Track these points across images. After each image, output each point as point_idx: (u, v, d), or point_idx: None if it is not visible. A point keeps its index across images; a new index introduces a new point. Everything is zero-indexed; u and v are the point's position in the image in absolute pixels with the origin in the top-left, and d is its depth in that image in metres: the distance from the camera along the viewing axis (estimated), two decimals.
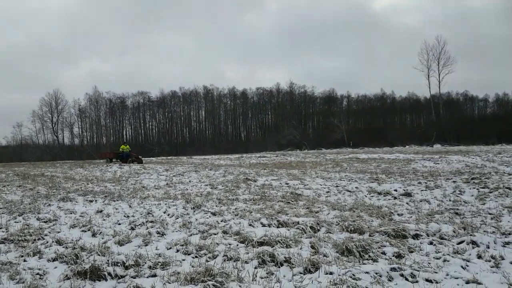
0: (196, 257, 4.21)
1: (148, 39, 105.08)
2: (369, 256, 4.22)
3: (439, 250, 4.51)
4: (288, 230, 5.64)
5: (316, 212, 6.91)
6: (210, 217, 6.17)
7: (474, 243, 4.72)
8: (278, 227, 5.79)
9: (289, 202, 7.71)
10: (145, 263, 3.84)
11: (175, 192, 9.27)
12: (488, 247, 4.63)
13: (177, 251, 4.36)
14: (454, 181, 10.78)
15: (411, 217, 6.59)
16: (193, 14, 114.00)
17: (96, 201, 7.99)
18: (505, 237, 5.05)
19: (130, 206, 7.16)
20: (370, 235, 5.32)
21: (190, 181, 11.83)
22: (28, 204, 7.55)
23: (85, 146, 73.09)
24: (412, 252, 4.43)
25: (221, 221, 5.96)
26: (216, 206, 7.20)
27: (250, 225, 5.83)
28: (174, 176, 13.53)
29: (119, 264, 3.79)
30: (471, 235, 4.96)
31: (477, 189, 9.30)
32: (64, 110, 72.88)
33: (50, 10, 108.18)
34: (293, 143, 62.73)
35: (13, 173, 16.54)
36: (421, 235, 5.12)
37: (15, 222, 6.12)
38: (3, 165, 30.37)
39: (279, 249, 4.46)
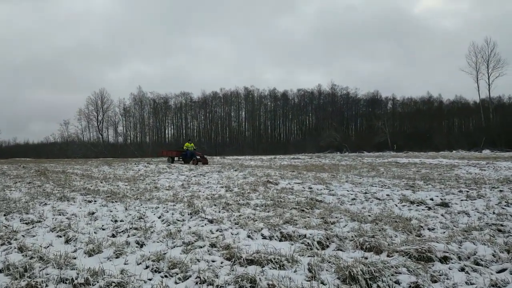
0: (165, 276, 3.54)
1: (187, 42, 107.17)
2: (378, 286, 3.35)
3: (472, 281, 3.56)
4: (292, 244, 4.84)
5: (331, 223, 6.04)
6: (205, 225, 5.49)
7: None
8: (280, 240, 5.01)
9: (303, 210, 6.88)
10: (97, 282, 3.21)
11: (184, 194, 8.70)
12: None
13: (147, 267, 3.71)
14: (500, 190, 9.45)
15: (444, 232, 5.57)
16: (230, 18, 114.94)
17: (95, 201, 7.56)
18: None
19: (126, 209, 6.64)
20: (388, 255, 4.42)
21: (208, 182, 11.25)
22: (24, 203, 7.24)
23: (129, 144, 75.34)
24: (435, 282, 3.51)
25: (217, 230, 5.26)
26: (220, 211, 6.52)
27: (248, 236, 5.09)
28: (194, 176, 13.02)
29: (67, 281, 3.20)
30: None
31: None
32: (109, 109, 75.61)
33: (94, 14, 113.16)
34: (333, 146, 61.22)
35: (35, 170, 16.79)
36: (451, 259, 4.14)
37: None
38: (39, 161, 31.44)
39: (269, 271, 3.69)
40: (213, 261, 3.94)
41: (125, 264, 3.84)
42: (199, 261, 3.90)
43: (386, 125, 64.15)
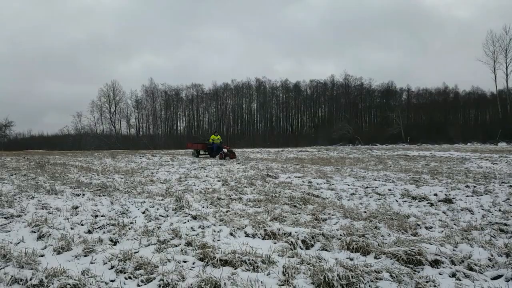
0: (129, 278, 3.32)
1: (197, 34, 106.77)
2: None
3: None
4: (275, 243, 4.59)
5: (322, 220, 5.76)
6: (188, 221, 5.27)
7: None
8: (264, 238, 4.76)
9: (295, 206, 6.60)
10: (52, 283, 3.01)
11: (178, 187, 8.49)
12: None
13: (112, 267, 3.51)
14: (510, 186, 9.00)
15: (442, 232, 5.24)
16: (237, 9, 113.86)
17: (83, 195, 7.40)
18: None
19: (111, 203, 6.46)
20: (375, 257, 4.13)
21: (207, 175, 11.03)
22: (11, 196, 7.12)
23: (141, 136, 75.79)
24: None
25: (199, 227, 5.03)
26: (207, 207, 6.29)
27: (231, 234, 4.85)
28: (195, 169, 12.83)
29: (21, 282, 3.02)
30: None
31: None
32: (121, 101, 75.97)
33: (104, 7, 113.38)
34: (345, 138, 60.42)
35: (36, 162, 16.82)
36: (443, 262, 3.84)
37: None
38: (48, 153, 31.69)
39: (241, 273, 3.45)
40: (184, 262, 3.72)
41: (91, 263, 3.64)
42: (169, 261, 3.68)
43: (400, 116, 62.92)
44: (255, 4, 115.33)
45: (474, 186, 8.91)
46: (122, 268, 3.47)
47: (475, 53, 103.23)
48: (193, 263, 3.70)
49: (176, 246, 4.13)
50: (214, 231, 4.99)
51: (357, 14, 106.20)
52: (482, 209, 6.74)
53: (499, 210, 6.59)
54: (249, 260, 3.71)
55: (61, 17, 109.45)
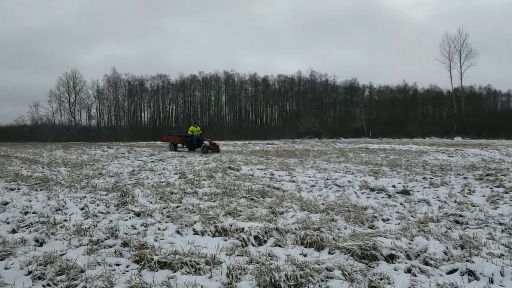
0: (47, 285, 2.88)
1: (162, 25, 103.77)
2: None
3: (416, 286, 3.04)
4: (226, 240, 4.26)
5: (280, 214, 5.49)
6: (130, 218, 4.83)
7: (471, 273, 3.25)
8: (214, 235, 4.41)
9: (253, 199, 6.29)
10: None
11: (128, 181, 7.97)
12: (491, 281, 3.15)
13: (29, 273, 3.04)
14: (465, 177, 9.13)
15: (398, 224, 5.10)
16: (204, 2, 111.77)
17: (18, 189, 6.75)
18: None
19: (48, 198, 5.89)
20: (329, 252, 3.89)
21: (164, 168, 10.52)
22: None
23: (102, 128, 73.03)
24: None
25: (141, 225, 4.61)
26: (156, 202, 5.85)
27: (177, 231, 4.47)
28: (152, 162, 12.25)
29: None
30: (468, 260, 3.44)
31: (491, 188, 7.67)
32: (82, 90, 72.55)
33: None
34: (312, 132, 61.14)
35: None
36: (398, 257, 3.64)
37: None
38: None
39: (181, 277, 3.09)
40: (117, 265, 3.30)
41: (5, 268, 3.15)
42: (99, 265, 3.25)
43: (363, 112, 64.42)
44: None
45: (431, 178, 8.96)
46: (41, 273, 3.01)
47: (432, 53, 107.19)
48: (127, 266, 3.29)
49: (110, 247, 3.69)
50: (159, 229, 4.59)
51: (320, 13, 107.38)
52: (438, 200, 6.71)
53: (455, 201, 6.58)
54: (191, 261, 3.34)
55: (17, 3, 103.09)
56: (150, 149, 19.22)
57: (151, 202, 5.86)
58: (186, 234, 4.46)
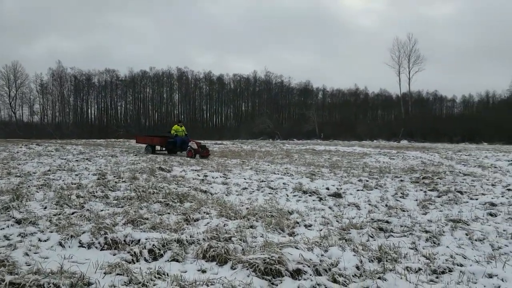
0: None
1: (109, 20, 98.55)
2: None
3: None
4: (114, 254, 3.61)
5: (194, 221, 4.90)
6: (8, 227, 4.06)
7: None
8: (102, 248, 3.74)
9: (168, 204, 5.65)
10: None
11: (36, 182, 7.03)
12: None
13: None
14: (401, 180, 9.04)
15: (320, 230, 4.69)
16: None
17: None
18: (436, 277, 3.19)
19: None
20: (232, 267, 3.36)
21: (86, 168, 9.57)
22: None
23: (46, 124, 68.76)
24: None
25: (18, 234, 3.86)
26: (50, 207, 5.06)
27: (60, 244, 3.76)
28: (76, 161, 11.20)
29: None
30: (380, 277, 3.04)
31: (424, 191, 7.56)
32: (23, 84, 67.85)
33: None
34: (266, 132, 61.17)
35: None
36: (305, 272, 3.18)
37: None
38: None
39: None
40: None
41: None
42: None
43: (315, 114, 65.51)
44: None
45: (366, 180, 8.77)
46: None
47: (383, 58, 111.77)
48: None
49: None
50: (39, 240, 3.85)
51: (273, 16, 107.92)
52: (369, 204, 6.44)
53: (386, 206, 6.34)
54: (50, 284, 2.67)
55: None
56: (83, 147, 17.88)
57: (44, 208, 5.06)
58: (70, 247, 3.76)
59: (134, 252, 3.60)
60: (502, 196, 6.90)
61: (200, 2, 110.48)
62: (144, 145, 17.00)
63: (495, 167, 12.18)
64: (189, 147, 14.99)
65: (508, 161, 14.14)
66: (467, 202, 6.51)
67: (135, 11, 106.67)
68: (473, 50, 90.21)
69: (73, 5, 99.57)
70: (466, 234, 4.39)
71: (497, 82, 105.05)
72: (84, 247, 3.76)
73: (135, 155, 13.99)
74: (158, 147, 16.59)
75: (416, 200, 6.83)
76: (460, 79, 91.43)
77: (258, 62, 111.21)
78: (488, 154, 18.17)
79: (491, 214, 5.51)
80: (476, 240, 4.19)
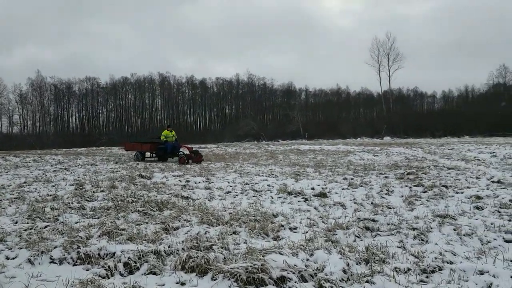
0: None
1: (86, 27, 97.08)
2: None
3: None
4: (88, 269, 3.38)
5: (174, 230, 4.68)
6: None
7: None
8: (75, 264, 3.51)
9: (146, 213, 5.42)
10: None
11: (9, 196, 6.68)
12: None
13: None
14: (386, 177, 8.98)
15: (306, 232, 4.53)
16: (130, 6, 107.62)
17: None
18: (426, 276, 3.06)
19: None
20: (212, 278, 3.17)
21: (63, 178, 9.22)
22: None
23: (26, 135, 67.18)
24: None
25: None
26: (21, 222, 4.77)
27: (29, 260, 3.51)
28: (54, 171, 10.81)
29: None
30: (368, 280, 2.89)
31: (410, 187, 7.49)
32: (1, 95, 66.22)
33: None
34: (251, 134, 61.04)
35: None
36: (290, 279, 3.01)
37: None
38: None
39: None
40: None
41: None
42: None
43: (299, 114, 65.74)
44: (148, 1, 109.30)
45: (352, 179, 8.67)
46: None
47: (363, 57, 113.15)
48: None
49: None
50: (7, 258, 3.59)
51: (252, 19, 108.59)
52: (355, 203, 6.32)
53: (372, 203, 6.23)
54: None
55: None
56: (63, 157, 17.37)
57: (15, 222, 4.77)
58: (40, 264, 3.50)
59: (109, 266, 3.37)
60: (487, 189, 6.88)
61: (179, 7, 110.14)
62: (133, 153, 16.35)
63: (478, 159, 12.29)
64: (181, 153, 14.36)
65: (491, 153, 14.31)
66: (452, 196, 6.46)
67: (112, 18, 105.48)
68: (451, 46, 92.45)
69: (51, 14, 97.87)
70: (454, 230, 4.30)
71: (476, 77, 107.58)
72: (55, 263, 3.51)
73: (116, 163, 13.62)
74: (148, 154, 16.04)
75: (402, 196, 6.75)
76: (439, 75, 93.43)
77: (240, 65, 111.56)
78: (470, 147, 18.40)
79: (477, 208, 5.46)
80: (464, 235, 4.10)
